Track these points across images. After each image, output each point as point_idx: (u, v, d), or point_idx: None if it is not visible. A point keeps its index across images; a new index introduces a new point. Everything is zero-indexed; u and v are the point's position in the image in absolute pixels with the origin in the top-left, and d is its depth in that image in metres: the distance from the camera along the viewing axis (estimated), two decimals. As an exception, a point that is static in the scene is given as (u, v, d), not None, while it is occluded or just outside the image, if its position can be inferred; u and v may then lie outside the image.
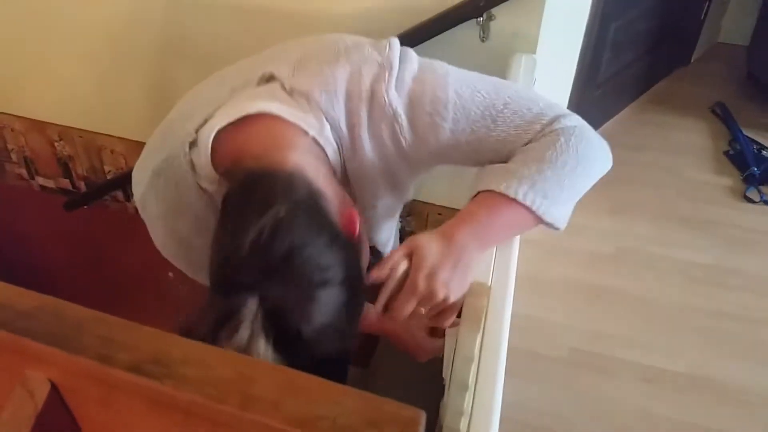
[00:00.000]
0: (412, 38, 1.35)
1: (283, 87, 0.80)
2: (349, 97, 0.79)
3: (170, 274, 1.05)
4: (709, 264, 1.84)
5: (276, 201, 0.65)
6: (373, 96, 0.79)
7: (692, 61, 2.61)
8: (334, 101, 0.79)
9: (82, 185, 2.22)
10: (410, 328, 1.11)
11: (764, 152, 2.12)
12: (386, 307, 0.74)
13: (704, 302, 1.73)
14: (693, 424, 1.44)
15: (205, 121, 0.78)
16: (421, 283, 0.72)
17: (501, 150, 0.81)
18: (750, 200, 2.02)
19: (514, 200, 0.76)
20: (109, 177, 2.13)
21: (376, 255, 0.98)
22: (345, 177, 0.85)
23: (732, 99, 2.39)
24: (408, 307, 0.73)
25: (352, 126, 0.80)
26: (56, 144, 2.12)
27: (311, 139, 0.77)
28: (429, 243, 0.74)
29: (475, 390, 0.78)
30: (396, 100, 0.78)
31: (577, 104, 1.93)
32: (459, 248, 0.74)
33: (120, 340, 0.42)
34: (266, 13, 1.51)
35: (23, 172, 2.28)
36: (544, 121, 0.80)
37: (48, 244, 2.43)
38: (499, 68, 1.30)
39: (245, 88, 0.81)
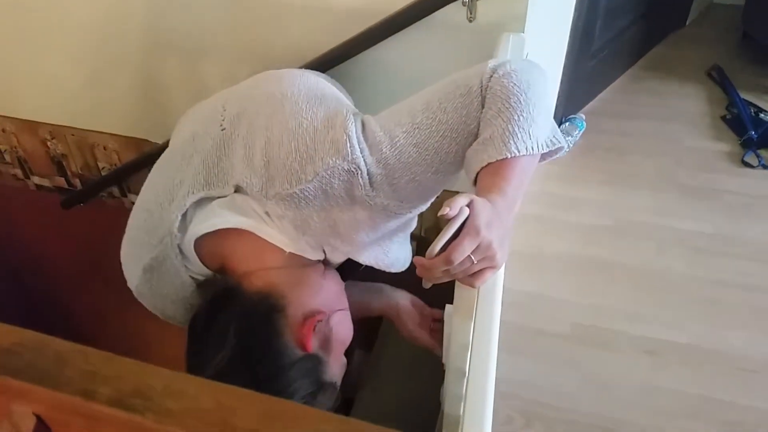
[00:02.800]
0: (398, 22, 1.33)
1: (257, 203, 0.86)
2: (326, 211, 0.85)
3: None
4: (710, 233, 1.83)
5: (229, 333, 0.77)
6: (354, 202, 0.85)
7: (687, 23, 2.57)
8: (309, 222, 0.86)
9: (77, 183, 2.21)
10: (412, 321, 1.13)
11: (762, 115, 2.10)
12: (444, 248, 0.74)
13: (706, 272, 1.72)
14: (698, 395, 1.45)
15: (185, 217, 0.86)
16: (483, 231, 0.72)
17: (471, 137, 0.85)
18: (748, 165, 2.00)
19: (512, 158, 0.80)
20: (103, 173, 2.12)
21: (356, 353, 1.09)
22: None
23: (729, 61, 2.35)
24: (466, 250, 0.72)
25: (333, 226, 0.87)
26: (49, 143, 2.11)
27: (289, 254, 0.86)
28: (484, 200, 0.76)
29: (468, 375, 0.79)
30: (380, 198, 0.84)
31: (571, 76, 1.90)
32: (503, 211, 0.77)
33: (102, 374, 0.42)
34: (251, 3, 1.49)
35: (18, 172, 2.27)
36: (475, 90, 0.85)
37: (48, 243, 2.43)
38: (488, 49, 1.28)
39: (223, 188, 0.86)
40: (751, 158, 2.01)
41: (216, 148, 0.86)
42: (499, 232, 0.74)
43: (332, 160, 0.81)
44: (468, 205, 0.73)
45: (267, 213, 0.84)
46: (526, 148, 0.79)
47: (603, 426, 1.41)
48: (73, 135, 2.03)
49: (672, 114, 2.20)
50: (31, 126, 2.06)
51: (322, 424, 0.37)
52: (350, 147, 0.82)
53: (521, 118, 0.81)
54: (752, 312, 1.62)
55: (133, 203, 0.93)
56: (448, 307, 1.25)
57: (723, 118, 2.15)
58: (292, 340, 0.80)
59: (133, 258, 0.89)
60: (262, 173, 0.83)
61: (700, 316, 1.62)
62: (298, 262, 0.86)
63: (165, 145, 1.04)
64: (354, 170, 0.81)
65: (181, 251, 0.84)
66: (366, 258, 0.88)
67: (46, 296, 2.50)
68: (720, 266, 1.74)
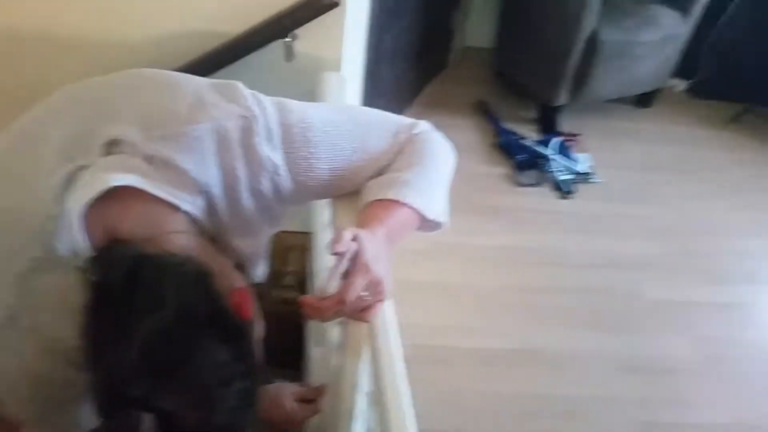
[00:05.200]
0: (216, 62, 1.28)
1: (137, 153, 0.71)
2: (221, 159, 0.74)
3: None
4: (504, 245, 2.04)
5: (162, 297, 0.59)
6: (247, 152, 0.75)
7: (448, 65, 2.86)
8: (204, 166, 0.73)
9: None
10: (280, 399, 1.07)
11: (523, 141, 2.41)
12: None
13: (513, 279, 1.91)
14: (533, 394, 1.59)
15: (58, 200, 0.67)
16: (373, 266, 0.72)
17: (376, 170, 0.85)
18: (522, 184, 2.28)
19: (403, 203, 0.81)
20: None
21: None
22: (220, 229, 0.79)
23: (489, 96, 2.68)
24: (359, 288, 0.72)
25: (228, 186, 0.75)
26: None
27: (184, 214, 0.72)
28: (366, 234, 0.75)
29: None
30: (271, 153, 0.76)
31: (368, 114, 1.99)
32: (385, 243, 0.77)
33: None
34: (54, 42, 1.32)
35: None
36: (402, 136, 0.86)
37: None
38: (306, 88, 1.29)
39: (86, 154, 0.70)
40: (523, 178, 2.30)
41: (75, 123, 0.74)
42: (385, 264, 0.75)
43: (225, 104, 0.76)
44: (353, 240, 0.73)
45: (151, 159, 0.71)
46: (420, 204, 0.82)
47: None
48: None
49: (452, 144, 2.41)
50: None
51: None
52: (245, 95, 0.77)
53: (427, 179, 0.84)
54: (555, 311, 1.84)
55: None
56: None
57: (494, 144, 2.43)
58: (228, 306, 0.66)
59: None
60: (142, 122, 0.72)
61: (520, 321, 1.79)
62: (201, 232, 0.75)
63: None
64: (249, 116, 0.75)
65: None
66: (240, 241, 0.80)
67: None
68: (520, 274, 1.95)
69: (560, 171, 2.30)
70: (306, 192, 0.82)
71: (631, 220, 2.23)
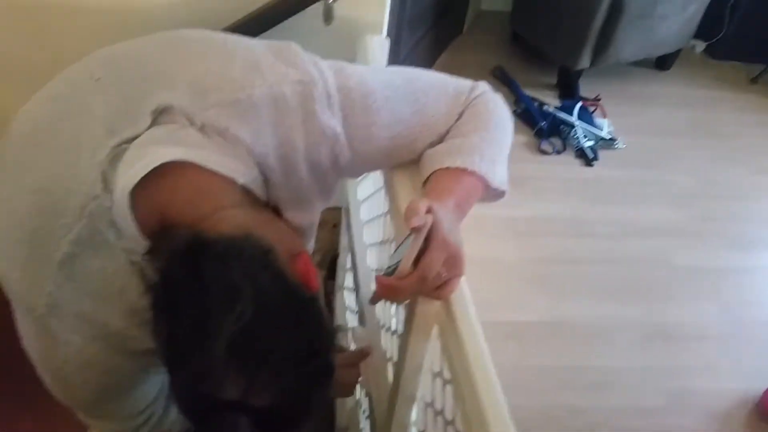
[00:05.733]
0: (252, 26, 1.23)
1: (189, 122, 0.66)
2: (278, 127, 0.68)
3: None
4: (528, 216, 2.02)
5: (235, 288, 0.56)
6: (306, 119, 0.70)
7: (464, 31, 2.80)
8: (260, 135, 0.68)
9: None
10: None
11: (545, 107, 2.37)
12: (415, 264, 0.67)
13: (537, 251, 1.90)
14: (559, 366, 1.59)
15: (104, 179, 0.62)
16: (450, 240, 0.67)
17: (435, 137, 0.81)
18: (544, 152, 2.25)
19: (470, 172, 0.76)
20: None
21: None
22: (274, 201, 0.76)
23: (506, 61, 2.62)
24: (438, 264, 0.66)
25: (284, 155, 0.70)
26: None
27: (242, 187, 0.67)
28: (440, 204, 0.70)
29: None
30: (332, 121, 0.71)
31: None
32: (457, 216, 0.73)
33: None
34: (77, 7, 1.27)
35: None
36: (462, 98, 0.81)
37: None
38: (346, 52, 1.25)
39: (133, 125, 0.65)
40: (546, 146, 2.26)
41: (118, 90, 0.68)
42: (459, 237, 0.70)
43: (282, 67, 0.71)
44: (427, 212, 0.67)
45: (203, 128, 0.66)
46: (487, 171, 0.77)
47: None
48: None
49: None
50: None
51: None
52: (302, 58, 0.72)
53: (492, 144, 0.79)
54: (582, 283, 1.83)
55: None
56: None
57: (514, 112, 2.39)
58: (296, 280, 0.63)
59: (36, 266, 0.65)
60: (192, 88, 0.67)
61: (543, 294, 1.79)
62: (255, 202, 0.70)
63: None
64: (308, 81, 0.70)
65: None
66: (293, 214, 0.77)
67: None
68: (544, 245, 1.93)
69: (584, 137, 2.26)
70: (364, 161, 0.78)
71: (654, 186, 2.21)
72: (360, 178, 1.45)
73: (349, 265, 1.51)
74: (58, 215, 0.64)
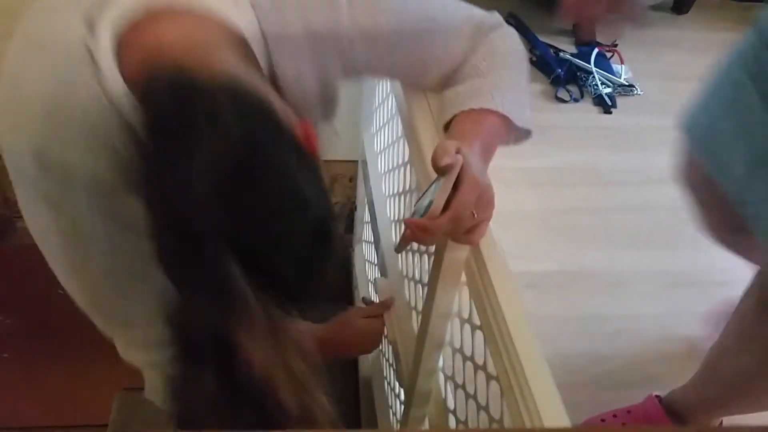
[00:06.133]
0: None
1: None
2: None
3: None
4: (547, 166, 1.99)
5: (225, 123, 0.49)
6: None
7: (475, -24, 2.71)
8: None
9: None
10: (350, 320, 1.05)
11: (561, 54, 2.31)
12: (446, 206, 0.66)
13: (555, 201, 1.87)
14: (577, 316, 1.58)
15: (90, 21, 0.57)
16: (481, 180, 0.65)
17: (449, 66, 0.79)
18: (561, 100, 2.20)
19: (494, 112, 0.74)
20: None
21: None
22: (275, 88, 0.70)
23: (518, 8, 2.54)
24: (471, 202, 0.65)
25: (280, 7, 0.67)
26: None
27: (239, 39, 0.62)
28: (466, 147, 0.68)
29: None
30: (354, 6, 0.68)
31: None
32: (483, 158, 0.71)
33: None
34: None
35: None
36: (476, 20, 0.79)
37: None
38: None
39: None
40: (562, 94, 2.21)
41: None
42: (488, 178, 0.68)
43: None
44: (456, 153, 0.65)
45: None
46: (512, 111, 0.74)
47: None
48: None
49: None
50: None
51: None
52: None
53: (515, 82, 0.77)
54: (601, 231, 1.81)
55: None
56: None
57: (529, 60, 2.33)
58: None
59: (21, 112, 0.62)
60: None
61: (561, 243, 1.77)
62: (256, 67, 0.64)
63: None
64: None
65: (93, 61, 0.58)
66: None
67: None
68: (562, 195, 1.91)
69: (601, 84, 2.21)
70: (368, 47, 0.72)
71: (673, 132, 2.16)
72: (374, 129, 1.42)
73: (367, 218, 1.51)
74: (44, 57, 0.61)
